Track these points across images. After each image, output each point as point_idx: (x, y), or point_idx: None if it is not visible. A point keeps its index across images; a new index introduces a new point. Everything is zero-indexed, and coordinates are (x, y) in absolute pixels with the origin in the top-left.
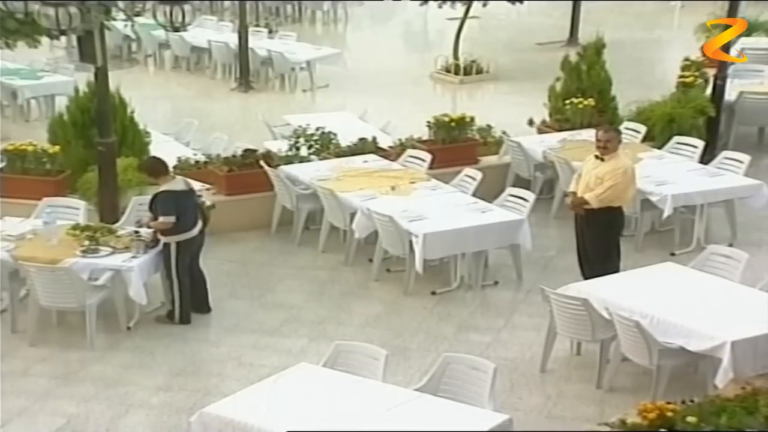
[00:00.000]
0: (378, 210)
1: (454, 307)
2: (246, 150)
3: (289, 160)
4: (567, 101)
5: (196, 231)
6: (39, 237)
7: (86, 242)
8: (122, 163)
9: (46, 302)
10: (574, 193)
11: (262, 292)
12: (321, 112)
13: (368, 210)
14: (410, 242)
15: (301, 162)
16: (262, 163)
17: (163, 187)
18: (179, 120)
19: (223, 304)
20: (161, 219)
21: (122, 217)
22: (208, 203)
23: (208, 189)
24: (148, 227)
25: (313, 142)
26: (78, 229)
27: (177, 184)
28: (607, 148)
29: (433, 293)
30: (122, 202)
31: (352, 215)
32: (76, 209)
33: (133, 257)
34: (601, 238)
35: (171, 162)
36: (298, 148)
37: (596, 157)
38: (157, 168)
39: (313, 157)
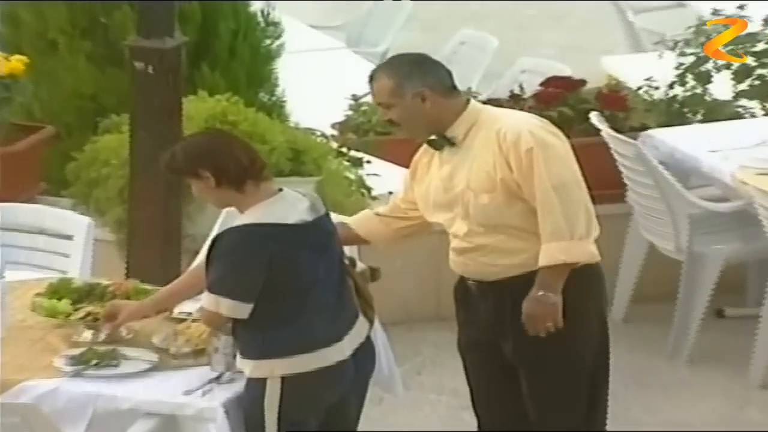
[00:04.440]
0: None
1: None
2: (553, 80)
3: (677, 113)
4: None
5: (343, 350)
6: None
7: (86, 333)
8: (197, 107)
9: None
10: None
11: None
12: None
13: None
14: None
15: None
16: (594, 119)
17: (243, 218)
18: None
19: None
20: (207, 303)
21: (194, 261)
22: (360, 266)
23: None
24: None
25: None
26: (65, 293)
27: (283, 205)
28: (391, 119)
29: None
30: (195, 222)
31: None
32: (66, 239)
33: (216, 381)
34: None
35: (333, 114)
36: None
37: (430, 143)
38: (220, 160)
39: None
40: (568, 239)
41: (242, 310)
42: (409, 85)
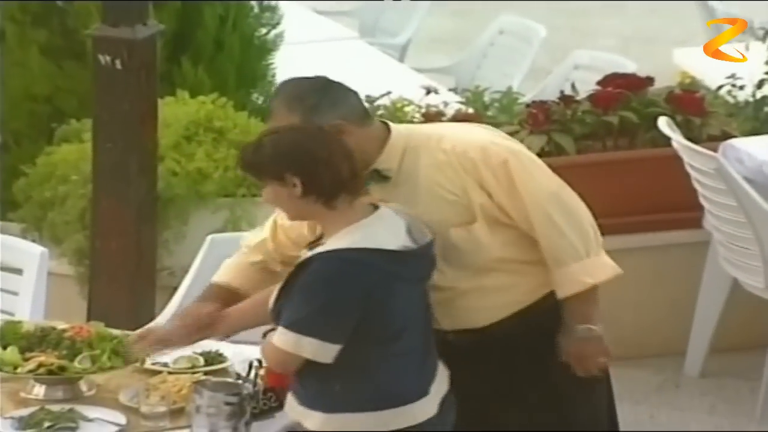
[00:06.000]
0: None
1: None
2: (614, 78)
3: None
4: None
5: (431, 405)
6: None
7: (37, 389)
8: (176, 110)
9: None
10: None
11: None
12: None
13: None
14: None
15: None
16: (664, 126)
17: (336, 240)
18: None
19: None
20: (284, 342)
21: (172, 300)
22: None
23: None
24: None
25: None
26: (12, 340)
27: (384, 227)
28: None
29: None
30: (173, 252)
31: None
32: (14, 273)
33: None
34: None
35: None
36: None
37: None
38: (316, 165)
39: None
40: (584, 257)
41: (329, 352)
42: (319, 120)
